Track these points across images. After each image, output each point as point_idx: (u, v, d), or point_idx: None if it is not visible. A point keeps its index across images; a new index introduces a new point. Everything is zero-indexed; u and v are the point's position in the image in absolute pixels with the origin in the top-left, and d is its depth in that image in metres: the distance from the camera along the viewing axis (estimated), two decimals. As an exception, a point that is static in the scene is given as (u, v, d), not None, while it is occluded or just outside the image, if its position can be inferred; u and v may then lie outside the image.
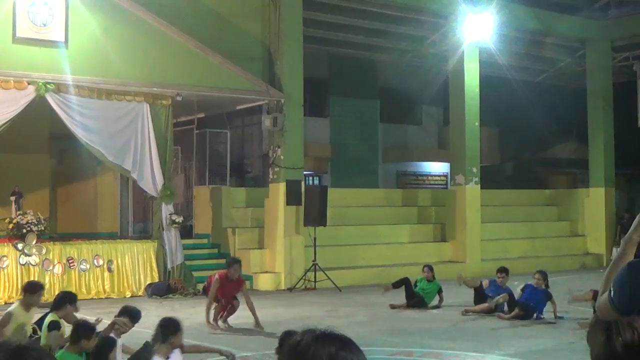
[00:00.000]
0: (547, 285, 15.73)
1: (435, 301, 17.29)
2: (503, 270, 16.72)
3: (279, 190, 21.32)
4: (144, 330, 14.25)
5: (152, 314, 16.66)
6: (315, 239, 20.70)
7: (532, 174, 34.30)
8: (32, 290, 11.08)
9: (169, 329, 8.78)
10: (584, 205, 28.99)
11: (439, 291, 17.28)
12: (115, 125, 19.15)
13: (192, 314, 15.56)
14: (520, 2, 25.80)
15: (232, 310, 14.70)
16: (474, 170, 25.05)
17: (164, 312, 16.11)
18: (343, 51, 28.48)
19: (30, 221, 18.68)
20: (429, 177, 33.65)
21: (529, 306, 15.32)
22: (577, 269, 25.16)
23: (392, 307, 16.83)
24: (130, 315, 9.95)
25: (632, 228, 3.35)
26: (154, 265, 19.63)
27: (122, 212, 24.81)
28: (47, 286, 18.05)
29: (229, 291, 14.61)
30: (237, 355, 11.07)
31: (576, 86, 30.61)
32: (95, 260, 18.88)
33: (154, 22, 19.21)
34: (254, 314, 14.14)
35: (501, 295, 15.66)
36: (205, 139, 24.41)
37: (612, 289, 3.21)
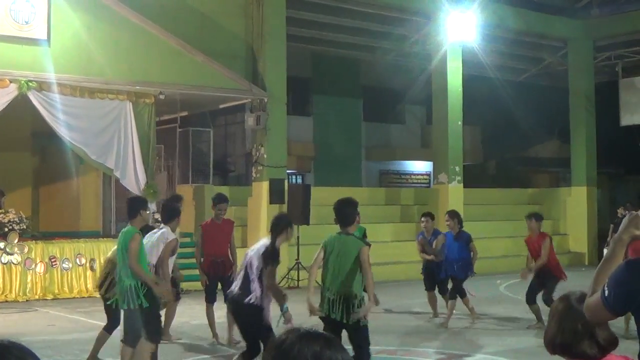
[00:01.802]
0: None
1: None
2: (427, 215, 15.73)
3: (262, 189, 21.30)
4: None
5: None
6: (298, 237, 20.68)
7: (515, 172, 34.43)
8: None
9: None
10: (566, 204, 29.11)
11: (364, 235, 15.50)
12: (97, 124, 19.08)
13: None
14: (503, 2, 25.87)
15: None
16: (457, 169, 25.12)
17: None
18: (326, 50, 28.49)
19: (12, 220, 18.58)
20: (412, 176, 33.73)
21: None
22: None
23: None
24: None
25: (621, 228, 3.34)
26: (137, 264, 19.55)
27: (105, 210, 24.69)
28: (28, 285, 18.05)
29: (218, 238, 12.87)
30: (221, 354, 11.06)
31: (559, 85, 30.74)
32: (77, 259, 18.79)
33: (137, 21, 19.16)
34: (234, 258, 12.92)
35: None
36: (188, 138, 24.37)
37: (606, 288, 3.18)
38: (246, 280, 8.91)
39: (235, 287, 9.02)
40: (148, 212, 10.32)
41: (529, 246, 14.25)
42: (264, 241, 9.25)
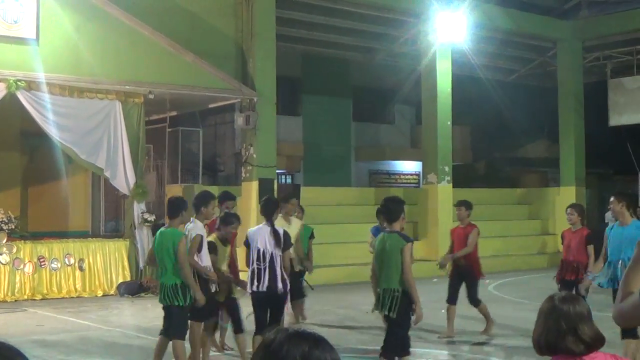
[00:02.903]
0: None
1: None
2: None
3: (252, 189, 21.29)
4: (115, 329, 14.24)
5: (124, 313, 16.63)
6: (287, 237, 20.66)
7: (504, 172, 34.49)
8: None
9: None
10: (555, 204, 29.16)
11: (310, 237, 14.47)
12: (87, 124, 19.04)
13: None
14: (492, 2, 25.92)
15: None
16: (446, 169, 25.15)
17: (136, 311, 16.12)
18: (316, 50, 28.51)
19: (0, 220, 18.53)
20: (401, 176, 33.74)
21: None
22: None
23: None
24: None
25: None
26: (126, 264, 19.53)
27: (94, 210, 24.66)
28: (17, 285, 18.01)
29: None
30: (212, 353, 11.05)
31: (548, 86, 30.83)
32: (66, 259, 18.74)
33: (126, 20, 19.12)
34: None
35: None
36: (178, 138, 24.32)
37: None
38: (275, 273, 9.92)
39: (272, 281, 9.92)
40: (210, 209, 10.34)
41: (453, 236, 13.52)
42: (263, 230, 10.03)
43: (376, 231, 13.80)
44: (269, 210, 10.26)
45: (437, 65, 24.81)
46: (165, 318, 9.99)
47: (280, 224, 11.29)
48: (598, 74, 30.46)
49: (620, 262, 10.01)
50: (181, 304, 9.66)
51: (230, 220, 10.60)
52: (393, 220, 8.90)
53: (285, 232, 10.20)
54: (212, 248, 10.32)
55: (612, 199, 10.61)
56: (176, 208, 9.99)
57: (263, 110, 21.42)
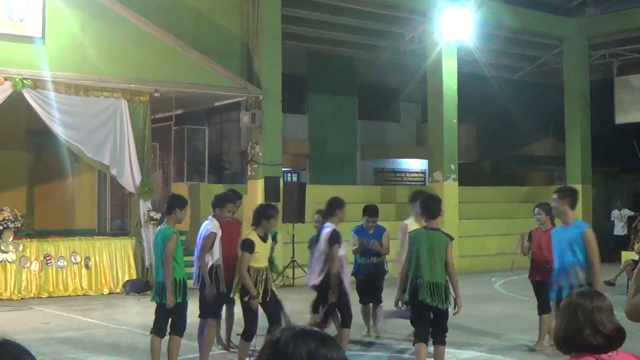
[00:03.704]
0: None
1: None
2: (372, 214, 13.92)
3: (258, 187, 21.29)
4: (121, 327, 14.26)
5: (131, 311, 16.65)
6: (293, 235, 20.67)
7: (510, 170, 34.45)
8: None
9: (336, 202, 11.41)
10: (561, 202, 29.09)
11: (273, 238, 12.31)
12: (93, 122, 19.05)
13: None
14: (498, 0, 25.88)
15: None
16: (452, 167, 25.11)
17: (142, 309, 16.12)
18: (322, 48, 28.49)
19: (7, 218, 18.55)
20: (407, 174, 33.74)
21: None
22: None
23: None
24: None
25: None
26: (132, 262, 19.55)
27: (100, 208, 24.69)
28: (23, 283, 18.03)
29: (228, 237, 11.05)
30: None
31: (554, 83, 30.76)
32: (72, 257, 18.76)
33: (132, 18, 19.13)
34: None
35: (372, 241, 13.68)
36: (184, 136, 24.36)
37: None
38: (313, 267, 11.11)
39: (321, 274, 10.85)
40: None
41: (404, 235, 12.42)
42: (324, 228, 11.07)
43: (359, 230, 13.85)
44: (326, 211, 11.49)
45: (443, 63, 24.77)
46: (158, 316, 10.10)
47: (412, 226, 12.30)
48: (604, 71, 30.38)
49: (565, 269, 9.24)
50: (178, 300, 9.74)
51: (271, 213, 10.07)
52: (434, 217, 9.61)
53: (334, 230, 10.95)
54: (249, 246, 9.74)
55: (554, 196, 9.48)
56: (169, 206, 10.11)
57: (269, 108, 21.41)
